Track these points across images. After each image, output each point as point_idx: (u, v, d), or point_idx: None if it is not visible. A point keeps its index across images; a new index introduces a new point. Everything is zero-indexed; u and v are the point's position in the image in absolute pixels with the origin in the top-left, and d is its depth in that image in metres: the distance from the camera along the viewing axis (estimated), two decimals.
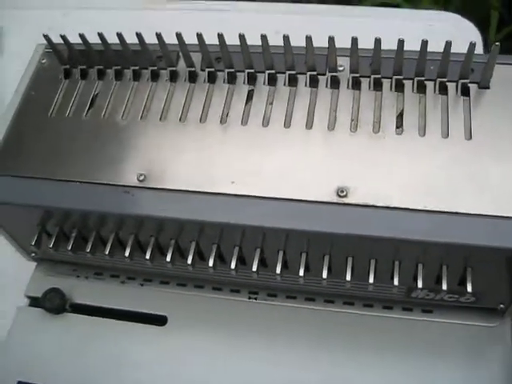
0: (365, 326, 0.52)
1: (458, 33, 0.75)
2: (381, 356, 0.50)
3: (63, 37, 0.51)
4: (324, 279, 0.46)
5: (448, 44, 0.45)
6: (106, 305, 0.55)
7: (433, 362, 0.49)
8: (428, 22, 0.75)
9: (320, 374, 0.50)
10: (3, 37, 0.79)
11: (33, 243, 0.50)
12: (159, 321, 0.54)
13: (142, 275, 0.56)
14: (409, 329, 0.51)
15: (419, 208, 0.43)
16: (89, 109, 0.51)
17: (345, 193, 0.44)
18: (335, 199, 0.44)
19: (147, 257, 0.48)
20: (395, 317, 0.52)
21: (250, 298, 0.54)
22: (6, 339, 0.55)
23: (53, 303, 0.54)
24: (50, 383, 0.52)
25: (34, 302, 0.56)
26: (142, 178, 0.47)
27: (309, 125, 0.47)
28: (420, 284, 0.45)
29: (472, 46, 0.45)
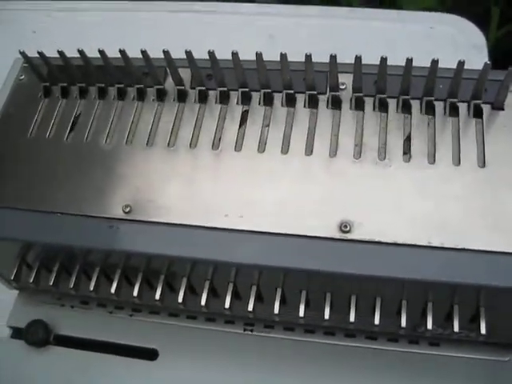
0: (368, 359, 0.49)
1: (460, 35, 0.71)
2: None
3: (40, 53, 0.47)
4: (326, 320, 0.42)
5: (461, 64, 0.42)
6: (92, 337, 0.51)
7: None
8: (429, 25, 0.71)
9: None
10: None
11: (12, 278, 0.47)
12: (150, 354, 0.50)
13: (131, 305, 0.52)
14: (415, 363, 0.48)
15: (429, 244, 0.40)
16: (70, 131, 0.47)
17: (348, 228, 0.40)
18: (338, 235, 0.40)
19: (134, 294, 0.44)
20: (401, 350, 0.48)
21: (245, 329, 0.50)
22: None
23: (36, 336, 0.51)
24: None
25: (16, 332, 0.53)
26: (127, 209, 0.43)
27: (308, 151, 0.44)
28: (429, 325, 0.42)
29: (487, 66, 0.41)
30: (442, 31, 0.71)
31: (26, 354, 0.51)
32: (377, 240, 0.40)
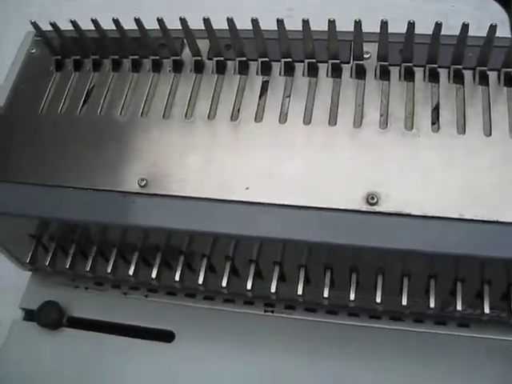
0: (393, 341, 0.47)
1: (481, 13, 0.69)
2: (410, 374, 0.45)
3: (53, 24, 0.45)
4: (351, 300, 0.40)
5: (492, 29, 0.39)
6: (106, 319, 0.50)
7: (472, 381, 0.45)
8: (450, 3, 0.69)
9: None
10: None
11: (27, 261, 0.45)
12: (166, 337, 0.49)
13: (147, 286, 0.50)
14: (442, 344, 0.46)
15: (459, 217, 0.38)
16: (83, 104, 0.46)
17: (375, 200, 0.39)
18: (364, 207, 0.39)
19: (153, 275, 0.43)
20: (427, 331, 0.46)
21: (265, 311, 0.49)
22: None
23: (48, 318, 0.49)
24: None
25: (29, 314, 0.51)
26: (143, 183, 0.41)
27: (332, 121, 0.42)
28: (459, 305, 0.40)
29: None
30: (464, 9, 0.69)
31: (39, 337, 0.50)
32: (405, 212, 0.38)
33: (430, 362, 0.45)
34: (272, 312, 0.48)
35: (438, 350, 0.46)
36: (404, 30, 0.41)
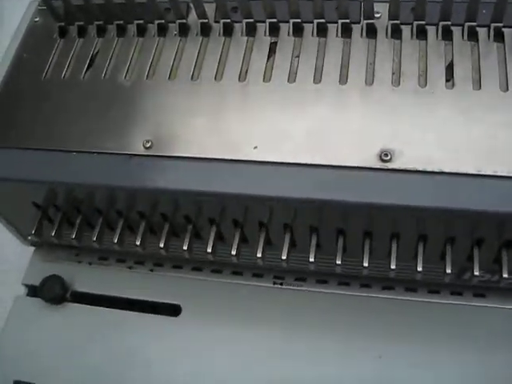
0: (408, 312, 0.45)
1: None
2: (426, 346, 0.44)
3: None
4: (365, 267, 0.39)
5: None
6: (111, 293, 0.48)
7: (489, 352, 0.43)
8: None
9: (358, 367, 0.44)
10: None
11: (33, 232, 0.44)
12: (172, 311, 0.47)
13: (152, 259, 0.49)
14: (459, 315, 0.44)
15: (477, 173, 0.36)
16: (87, 69, 0.45)
17: (389, 156, 0.37)
18: (378, 164, 0.37)
19: (161, 245, 0.41)
20: (442, 302, 0.45)
21: (274, 283, 0.47)
22: (1, 333, 0.48)
23: (52, 292, 0.48)
24: (48, 382, 0.46)
25: (33, 290, 0.50)
26: (148, 144, 0.40)
27: (343, 79, 0.40)
28: (477, 270, 0.38)
29: None
30: None
31: (43, 312, 0.48)
32: (420, 169, 0.37)
33: (446, 333, 0.44)
34: (281, 284, 0.47)
35: (454, 321, 0.44)
36: None
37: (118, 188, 0.40)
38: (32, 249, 0.52)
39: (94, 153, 0.41)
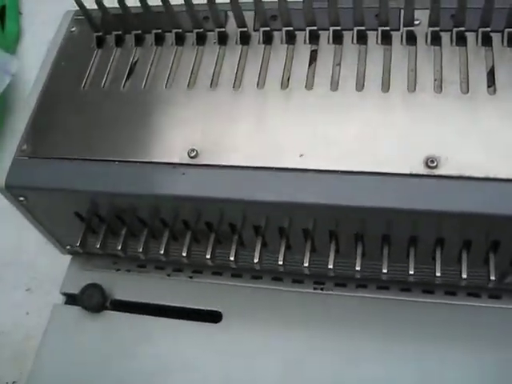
0: (447, 316, 0.45)
1: None
2: (466, 352, 0.44)
3: (98, 2, 0.44)
4: (410, 275, 0.39)
5: None
6: (150, 301, 0.49)
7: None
8: None
9: (399, 370, 0.44)
10: None
11: (77, 244, 0.45)
12: (213, 317, 0.47)
13: (191, 267, 0.49)
14: (498, 319, 0.44)
15: None
16: (127, 79, 0.45)
17: (435, 163, 0.37)
18: (424, 171, 0.37)
19: (208, 255, 0.42)
20: (483, 305, 0.45)
21: (315, 288, 0.47)
22: (40, 342, 0.49)
23: (92, 300, 0.48)
24: None
25: (71, 299, 0.50)
26: (193, 154, 0.40)
27: (385, 86, 0.41)
28: None
29: None
30: None
31: (82, 320, 0.49)
32: (467, 175, 0.37)
33: (462, 334, 0.44)
34: (322, 289, 0.47)
35: (469, 322, 0.44)
36: None
37: (163, 197, 0.40)
38: (63, 257, 0.53)
39: (138, 162, 0.41)
